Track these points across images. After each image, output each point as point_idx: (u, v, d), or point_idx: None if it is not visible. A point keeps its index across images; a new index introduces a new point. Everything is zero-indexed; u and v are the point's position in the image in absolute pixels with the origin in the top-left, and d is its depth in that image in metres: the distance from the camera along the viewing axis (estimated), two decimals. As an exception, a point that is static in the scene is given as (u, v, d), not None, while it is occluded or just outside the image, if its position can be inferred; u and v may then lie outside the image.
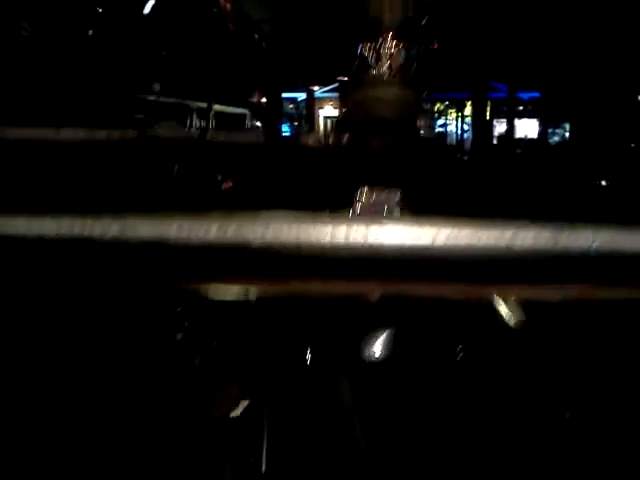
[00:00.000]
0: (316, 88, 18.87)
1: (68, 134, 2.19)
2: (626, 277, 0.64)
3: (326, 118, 21.32)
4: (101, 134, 2.31)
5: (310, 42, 12.74)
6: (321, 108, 21.04)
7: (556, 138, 21.57)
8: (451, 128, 22.47)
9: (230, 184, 7.79)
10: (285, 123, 20.06)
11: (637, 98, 13.25)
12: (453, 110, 21.53)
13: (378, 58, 2.30)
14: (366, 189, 2.23)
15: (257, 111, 11.18)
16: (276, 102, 13.39)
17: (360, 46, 2.39)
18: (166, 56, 5.84)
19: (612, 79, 13.10)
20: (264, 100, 12.44)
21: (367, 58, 2.36)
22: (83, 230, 0.65)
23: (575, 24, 12.05)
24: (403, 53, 2.22)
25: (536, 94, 17.50)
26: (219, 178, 7.65)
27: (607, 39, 12.29)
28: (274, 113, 12.92)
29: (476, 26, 11.91)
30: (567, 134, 20.08)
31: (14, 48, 2.81)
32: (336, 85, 18.84)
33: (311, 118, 19.36)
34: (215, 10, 8.73)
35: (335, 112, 20.65)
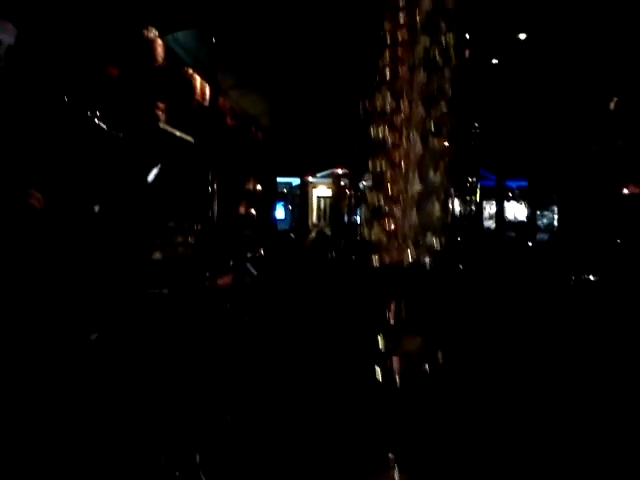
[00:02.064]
0: (310, 179, 19.44)
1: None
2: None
3: (319, 198, 21.84)
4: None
5: (305, 133, 13.17)
6: (315, 188, 21.60)
7: (545, 220, 22.07)
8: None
9: (227, 280, 7.83)
10: (280, 202, 20.54)
11: (622, 191, 13.62)
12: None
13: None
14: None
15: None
16: (271, 189, 13.72)
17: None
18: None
19: (598, 172, 13.53)
20: (259, 187, 12.73)
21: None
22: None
23: (561, 121, 12.55)
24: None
25: (523, 183, 18.03)
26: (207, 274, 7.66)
27: (593, 135, 12.77)
28: (269, 201, 13.21)
29: (467, 122, 12.38)
30: (555, 216, 20.60)
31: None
32: (329, 172, 19.44)
33: (305, 199, 19.82)
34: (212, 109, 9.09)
35: (328, 192, 21.21)
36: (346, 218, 19.28)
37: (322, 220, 21.74)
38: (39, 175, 3.01)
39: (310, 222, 20.74)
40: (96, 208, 3.64)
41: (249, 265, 9.07)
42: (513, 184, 18.59)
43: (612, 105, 9.71)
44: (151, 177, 4.97)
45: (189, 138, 7.21)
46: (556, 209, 20.05)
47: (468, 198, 15.36)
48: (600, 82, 10.10)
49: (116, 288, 3.66)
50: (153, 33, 7.16)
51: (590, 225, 13.65)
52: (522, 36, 8.76)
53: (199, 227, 7.45)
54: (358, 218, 18.75)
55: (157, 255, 4.96)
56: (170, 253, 5.79)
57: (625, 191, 13.40)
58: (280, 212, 20.31)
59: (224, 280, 7.26)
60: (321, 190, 21.58)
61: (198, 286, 5.44)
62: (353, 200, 16.05)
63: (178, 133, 6.55)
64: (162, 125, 5.92)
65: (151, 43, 7.12)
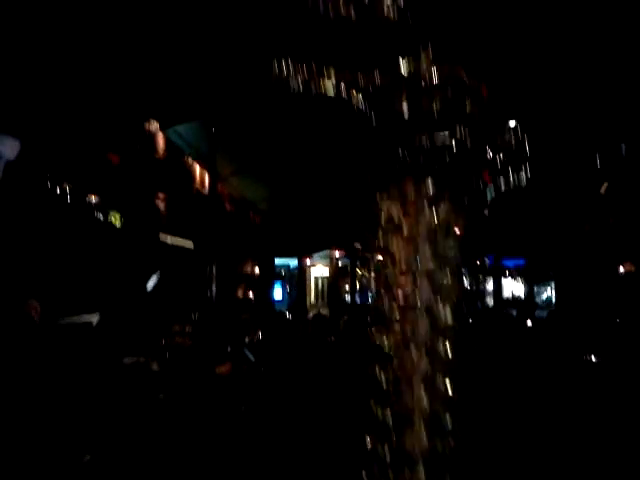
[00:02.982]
0: (308, 260, 19.59)
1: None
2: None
3: (316, 278, 21.85)
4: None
5: (303, 216, 13.36)
6: (313, 266, 21.66)
7: (543, 297, 22.07)
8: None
9: (225, 368, 7.70)
10: (278, 282, 20.54)
11: (618, 269, 13.71)
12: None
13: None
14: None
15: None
16: (269, 271, 13.75)
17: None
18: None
19: (594, 250, 13.66)
20: (257, 270, 12.78)
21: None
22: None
23: (555, 204, 12.78)
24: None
25: (519, 261, 18.21)
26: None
27: (586, 216, 12.98)
28: (266, 283, 13.21)
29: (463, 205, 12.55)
30: (552, 292, 20.65)
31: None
32: (326, 252, 19.59)
33: (302, 279, 19.85)
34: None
35: (326, 271, 21.28)
36: (347, 297, 19.19)
37: (320, 299, 21.65)
38: (38, 284, 3.01)
39: (308, 302, 20.64)
40: (94, 320, 3.62)
41: (247, 351, 8.95)
42: (510, 263, 18.78)
43: (603, 189, 9.99)
44: (150, 285, 4.99)
45: (188, 244, 7.33)
46: (553, 285, 20.12)
47: (478, 278, 15.48)
48: (590, 168, 10.40)
49: (111, 399, 3.58)
50: (154, 126, 7.41)
51: (587, 301, 13.64)
52: (512, 123, 9.04)
53: (196, 316, 7.41)
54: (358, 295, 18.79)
55: (154, 366, 4.91)
56: (168, 345, 5.73)
57: (621, 269, 13.50)
58: (278, 293, 20.26)
59: (222, 369, 7.15)
60: (318, 270, 21.64)
61: (196, 385, 5.34)
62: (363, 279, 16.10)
63: (177, 241, 6.66)
64: (162, 236, 6.02)
65: (153, 136, 7.36)
